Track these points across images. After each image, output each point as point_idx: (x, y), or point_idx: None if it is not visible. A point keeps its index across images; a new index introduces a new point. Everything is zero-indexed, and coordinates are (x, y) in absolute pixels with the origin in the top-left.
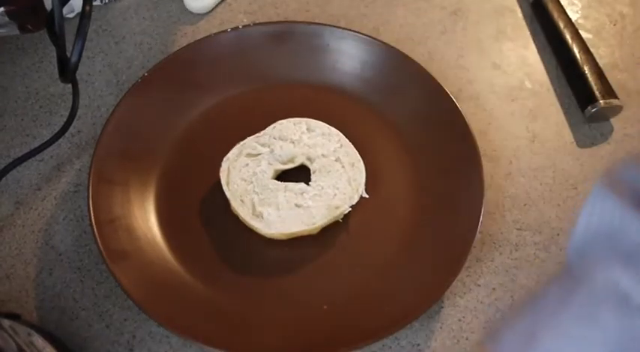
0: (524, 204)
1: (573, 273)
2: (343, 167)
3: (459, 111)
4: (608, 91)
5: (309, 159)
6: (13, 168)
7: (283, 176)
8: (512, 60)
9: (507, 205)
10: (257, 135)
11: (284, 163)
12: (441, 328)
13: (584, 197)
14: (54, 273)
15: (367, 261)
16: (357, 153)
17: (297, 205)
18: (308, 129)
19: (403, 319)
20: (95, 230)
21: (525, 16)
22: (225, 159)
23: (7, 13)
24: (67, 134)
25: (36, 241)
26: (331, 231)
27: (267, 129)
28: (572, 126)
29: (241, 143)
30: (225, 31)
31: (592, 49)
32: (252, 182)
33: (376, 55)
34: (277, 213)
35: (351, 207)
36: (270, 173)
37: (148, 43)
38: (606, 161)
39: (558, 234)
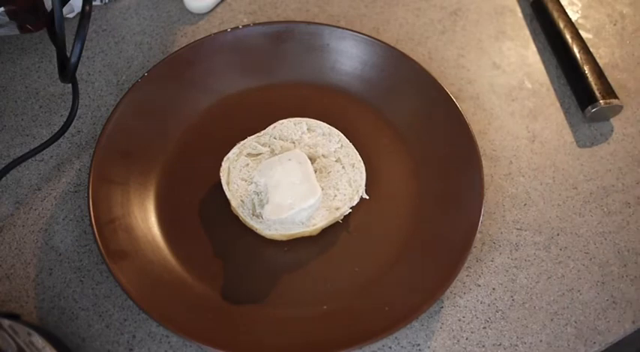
0: (524, 204)
1: None
2: (344, 168)
3: (459, 111)
4: (608, 91)
5: (310, 158)
6: (13, 168)
7: None
8: (512, 60)
9: (507, 205)
10: (257, 134)
11: None
12: (441, 328)
13: (584, 197)
14: (54, 273)
15: (367, 262)
16: (357, 153)
17: None
18: (309, 129)
19: (403, 319)
20: (95, 230)
21: (525, 16)
22: (225, 159)
23: (7, 13)
24: (67, 134)
25: (36, 241)
26: (331, 231)
27: (267, 128)
28: (572, 126)
29: (241, 143)
30: (225, 31)
31: (592, 49)
32: (252, 182)
33: (376, 55)
34: None
35: (351, 208)
36: None
37: (148, 43)
38: (606, 161)
39: (558, 234)
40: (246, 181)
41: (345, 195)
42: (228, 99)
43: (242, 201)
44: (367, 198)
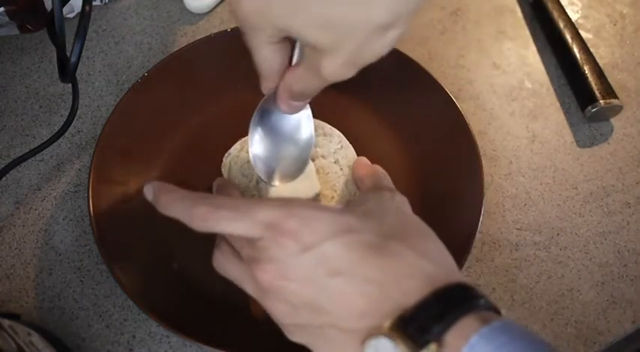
0: (524, 204)
1: None
2: (341, 169)
3: (459, 111)
4: (608, 91)
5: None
6: (13, 168)
7: None
8: (512, 60)
9: (507, 205)
10: None
11: None
12: None
13: (584, 197)
14: (54, 273)
15: None
16: (355, 155)
17: None
18: None
19: None
20: (95, 230)
21: (525, 16)
22: (226, 154)
23: (7, 13)
24: (67, 134)
25: (36, 241)
26: None
27: None
28: (572, 126)
29: (243, 139)
30: (225, 31)
31: (592, 49)
32: (252, 179)
33: None
34: None
35: None
36: None
37: (148, 43)
38: (606, 161)
39: (558, 234)
40: (247, 177)
41: (342, 196)
42: (229, 99)
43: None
44: None
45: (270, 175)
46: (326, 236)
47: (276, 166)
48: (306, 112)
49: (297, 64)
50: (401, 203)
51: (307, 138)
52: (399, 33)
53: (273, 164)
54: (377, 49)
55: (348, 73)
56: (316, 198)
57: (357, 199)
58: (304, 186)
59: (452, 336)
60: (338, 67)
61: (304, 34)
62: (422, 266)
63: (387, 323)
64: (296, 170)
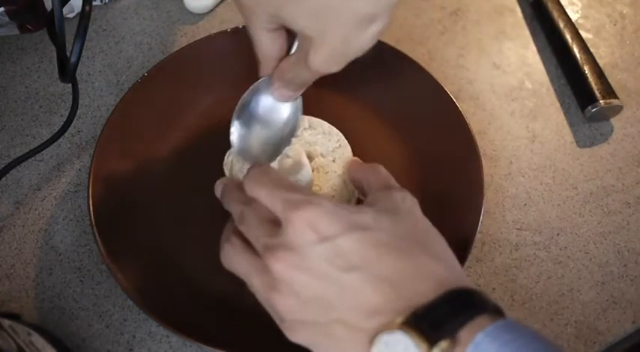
0: (524, 204)
1: None
2: (340, 168)
3: (459, 111)
4: (608, 91)
5: (308, 156)
6: (13, 168)
7: None
8: (512, 60)
9: (507, 205)
10: None
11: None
12: None
13: (584, 197)
14: (54, 273)
15: None
16: (351, 155)
17: None
18: (310, 126)
19: None
20: (95, 230)
21: (525, 16)
22: (228, 153)
23: (7, 13)
24: (67, 134)
25: (36, 241)
26: None
27: None
28: (572, 126)
29: None
30: (225, 31)
31: (592, 49)
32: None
33: (376, 55)
34: None
35: None
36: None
37: (148, 43)
38: (606, 161)
39: (558, 234)
40: None
41: (342, 195)
42: (229, 99)
43: None
44: (364, 199)
45: (244, 155)
46: (342, 230)
47: (252, 146)
48: (295, 103)
49: (293, 53)
50: (412, 205)
51: (285, 121)
52: (382, 27)
53: (248, 144)
54: (361, 41)
55: (333, 66)
56: (306, 180)
57: (368, 199)
58: (292, 168)
59: (463, 334)
60: (324, 58)
61: (295, 21)
62: (434, 269)
63: (399, 319)
64: (271, 152)
